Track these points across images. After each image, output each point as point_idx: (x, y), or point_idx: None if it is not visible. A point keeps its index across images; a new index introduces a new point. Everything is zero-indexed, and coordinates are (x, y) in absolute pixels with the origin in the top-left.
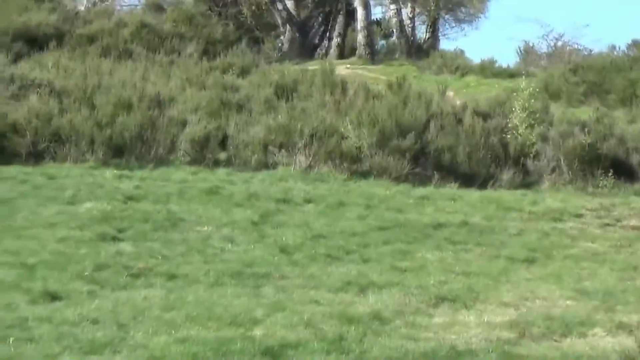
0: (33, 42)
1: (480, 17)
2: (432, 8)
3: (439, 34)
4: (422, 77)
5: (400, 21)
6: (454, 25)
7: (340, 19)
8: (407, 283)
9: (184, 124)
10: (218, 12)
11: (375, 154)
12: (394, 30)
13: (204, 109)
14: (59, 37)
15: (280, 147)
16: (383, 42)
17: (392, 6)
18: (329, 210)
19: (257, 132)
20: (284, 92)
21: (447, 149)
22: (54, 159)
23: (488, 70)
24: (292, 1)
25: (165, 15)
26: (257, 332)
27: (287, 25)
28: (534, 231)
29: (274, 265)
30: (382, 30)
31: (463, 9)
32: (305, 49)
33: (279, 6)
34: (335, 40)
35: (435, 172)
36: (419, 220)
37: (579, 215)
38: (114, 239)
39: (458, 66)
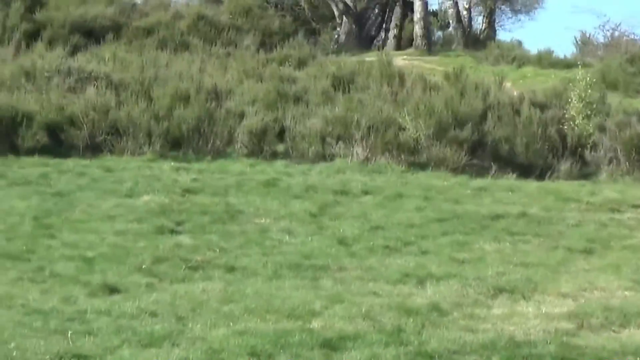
0: (90, 34)
1: (537, 8)
2: None
3: (496, 25)
4: (479, 68)
5: (457, 12)
6: (510, 16)
7: (397, 10)
8: (465, 274)
9: (241, 116)
10: (275, 4)
11: (433, 145)
12: (451, 21)
13: (262, 101)
14: (116, 30)
15: (338, 138)
16: (440, 33)
17: None
18: (386, 202)
19: (314, 124)
20: (341, 83)
21: (505, 139)
22: (111, 152)
23: (545, 60)
24: None
25: (222, 7)
26: (316, 324)
27: (344, 16)
28: (592, 222)
29: (332, 257)
30: (439, 21)
31: (520, 0)
32: (362, 41)
33: None
34: (392, 31)
35: (492, 163)
36: (476, 211)
37: (637, 206)
38: (172, 231)
39: (515, 57)
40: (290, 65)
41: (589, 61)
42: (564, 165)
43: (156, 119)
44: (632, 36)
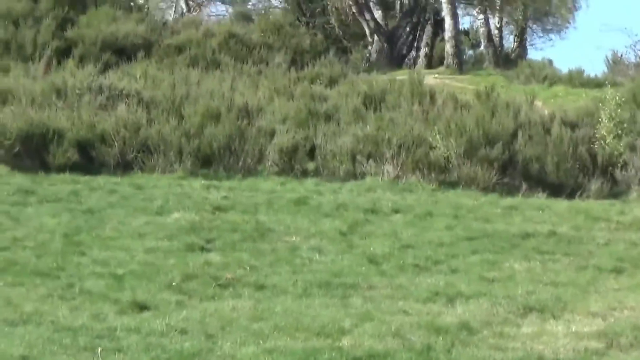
0: (121, 52)
1: (568, 27)
2: (520, 18)
3: (527, 44)
4: (510, 87)
5: (488, 31)
6: (541, 35)
7: (428, 28)
8: (495, 293)
9: (272, 134)
10: (306, 22)
11: (463, 163)
12: (482, 40)
13: (292, 119)
14: (147, 48)
15: (368, 157)
16: (471, 51)
17: (480, 16)
18: (417, 221)
19: (345, 142)
20: (372, 102)
21: (535, 159)
22: (142, 169)
23: (576, 79)
24: (380, 11)
25: (253, 25)
26: (345, 342)
27: (375, 35)
28: (622, 241)
29: (362, 275)
30: (470, 40)
31: (550, 19)
32: (393, 59)
33: (367, 16)
34: (423, 50)
35: (523, 182)
36: (506, 230)
37: None
38: (202, 249)
39: (546, 76)
40: (321, 84)
41: (620, 80)
42: (595, 185)
43: (187, 137)
44: None
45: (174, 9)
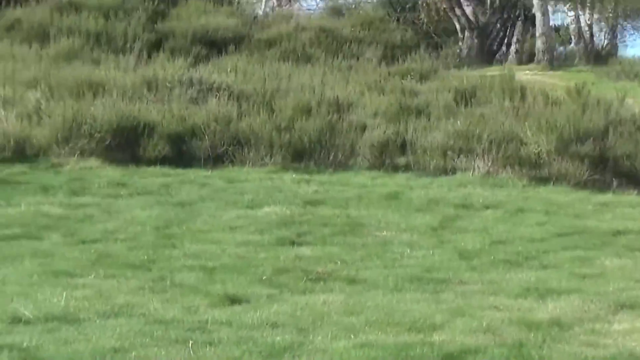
0: (212, 45)
1: None
2: (611, 15)
3: (618, 41)
4: (601, 84)
5: (579, 28)
6: (633, 32)
7: (519, 25)
8: (586, 290)
9: (363, 128)
10: (397, 17)
11: (554, 160)
12: (573, 36)
13: (383, 114)
14: (238, 41)
15: (459, 152)
16: (562, 48)
17: (571, 13)
18: (508, 216)
19: (436, 138)
20: (463, 97)
21: (626, 156)
22: (233, 163)
23: None
24: (471, 7)
25: (344, 19)
26: (437, 337)
27: (466, 31)
28: None
29: (453, 270)
30: (561, 36)
31: None
32: (484, 55)
33: (458, 12)
34: (514, 46)
35: (614, 179)
36: (598, 227)
37: None
38: (293, 243)
39: (637, 73)
40: (412, 79)
41: None
42: None
43: (278, 131)
44: None
45: (264, 2)
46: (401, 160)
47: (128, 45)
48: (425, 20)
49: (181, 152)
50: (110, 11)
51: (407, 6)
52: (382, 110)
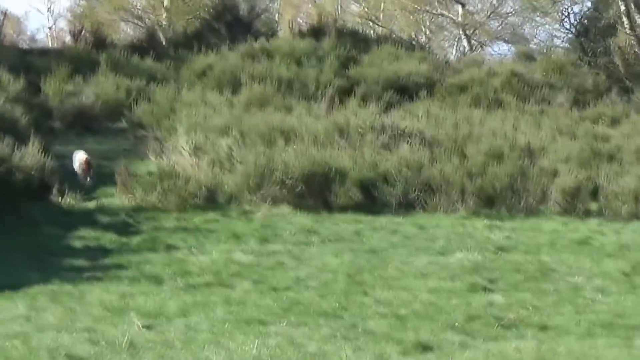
0: (403, 91)
1: None
2: None
3: None
4: None
5: None
6: None
7: None
8: None
9: (554, 173)
10: (588, 61)
11: None
12: None
13: (575, 158)
14: (429, 87)
15: None
16: None
17: None
18: None
19: (628, 183)
20: None
21: None
22: (424, 209)
23: None
24: None
25: (535, 64)
26: None
27: None
28: None
29: None
30: None
31: None
32: None
33: None
34: None
35: None
36: None
37: None
38: (485, 289)
39: None
40: (603, 123)
41: None
42: None
43: (469, 176)
44: None
45: (455, 47)
46: (593, 206)
47: (319, 92)
48: (618, 64)
49: (372, 198)
50: (302, 57)
51: (599, 50)
52: (574, 155)
